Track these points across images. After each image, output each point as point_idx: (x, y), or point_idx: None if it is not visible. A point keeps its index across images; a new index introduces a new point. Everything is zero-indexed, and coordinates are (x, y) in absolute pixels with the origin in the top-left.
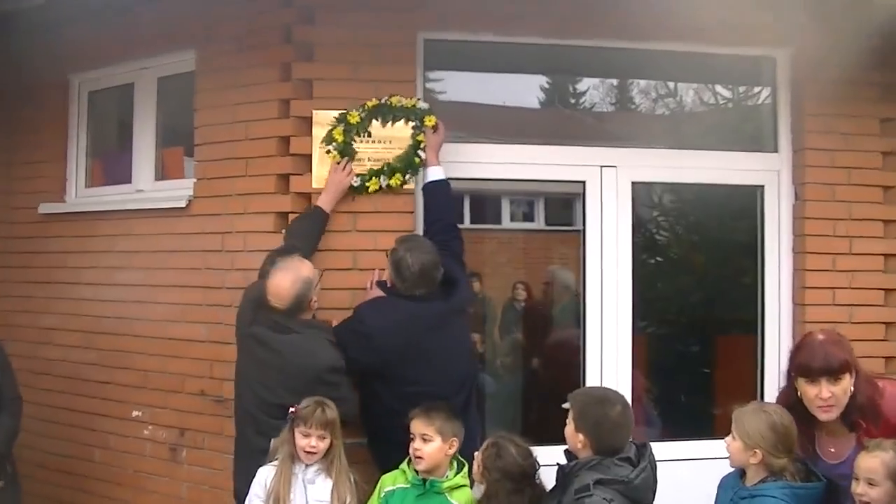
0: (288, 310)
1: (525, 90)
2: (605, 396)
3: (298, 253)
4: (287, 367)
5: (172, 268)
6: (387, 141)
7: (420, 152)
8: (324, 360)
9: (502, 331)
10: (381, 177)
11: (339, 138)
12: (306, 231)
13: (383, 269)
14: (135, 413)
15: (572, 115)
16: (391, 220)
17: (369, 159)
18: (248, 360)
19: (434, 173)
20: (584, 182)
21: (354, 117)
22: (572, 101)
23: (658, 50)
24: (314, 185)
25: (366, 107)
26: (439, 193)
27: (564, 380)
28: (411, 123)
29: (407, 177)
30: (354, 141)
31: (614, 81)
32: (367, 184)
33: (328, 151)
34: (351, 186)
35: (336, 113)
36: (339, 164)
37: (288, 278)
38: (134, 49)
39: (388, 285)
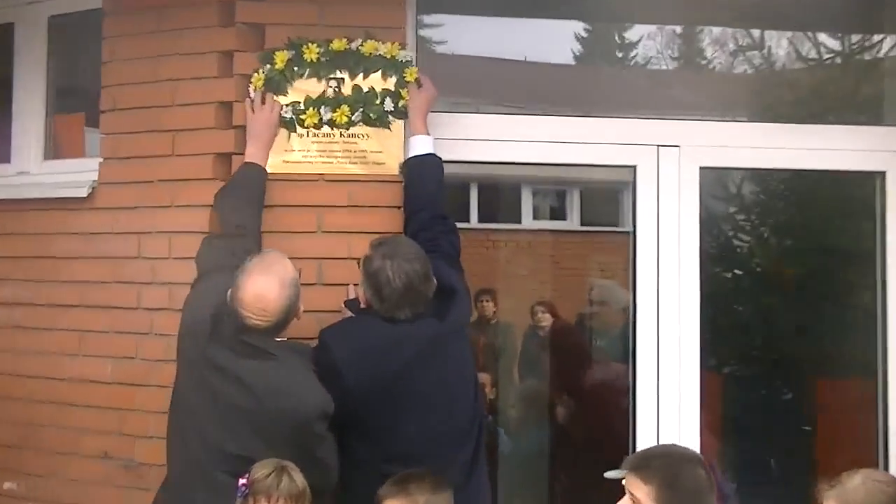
0: (273, 326)
1: (554, 40)
2: (688, 455)
3: (251, 239)
4: (261, 410)
5: (67, 281)
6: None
7: (390, 102)
8: (313, 403)
9: (522, 368)
10: (322, 108)
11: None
12: (244, 201)
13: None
14: (7, 485)
15: (619, 75)
16: (371, 216)
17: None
18: (199, 393)
19: (419, 145)
20: (634, 167)
21: (311, 52)
22: (619, 55)
23: None
24: (268, 169)
25: (329, 48)
26: (426, 173)
27: (606, 436)
28: (390, 79)
29: (357, 116)
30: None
31: (677, 28)
32: (303, 117)
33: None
34: (282, 122)
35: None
36: (255, 99)
37: (273, 284)
38: None
39: (362, 305)
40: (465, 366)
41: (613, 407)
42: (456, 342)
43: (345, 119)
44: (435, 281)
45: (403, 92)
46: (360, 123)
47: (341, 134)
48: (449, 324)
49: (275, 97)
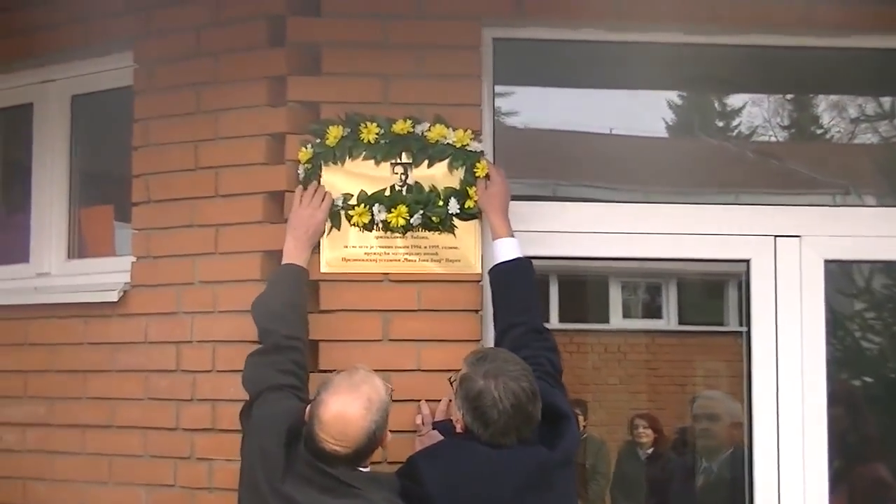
0: (354, 454)
1: (644, 109)
2: None
3: (298, 351)
4: None
5: (94, 397)
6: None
7: (455, 203)
8: None
9: (617, 493)
10: (376, 206)
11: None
12: (287, 307)
13: (435, 401)
14: None
15: (723, 149)
16: (445, 322)
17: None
18: None
19: (504, 250)
20: (748, 261)
21: (370, 132)
22: (720, 124)
23: (862, 48)
24: (322, 270)
25: (390, 129)
26: (516, 281)
27: None
28: (457, 171)
29: (417, 219)
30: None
31: (789, 94)
32: (351, 213)
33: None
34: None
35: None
36: (305, 190)
37: (359, 405)
38: (33, 48)
39: (458, 429)
40: (570, 502)
41: None
42: (563, 474)
43: (402, 222)
44: (540, 401)
45: (471, 191)
46: (420, 228)
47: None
48: (559, 452)
49: (325, 189)
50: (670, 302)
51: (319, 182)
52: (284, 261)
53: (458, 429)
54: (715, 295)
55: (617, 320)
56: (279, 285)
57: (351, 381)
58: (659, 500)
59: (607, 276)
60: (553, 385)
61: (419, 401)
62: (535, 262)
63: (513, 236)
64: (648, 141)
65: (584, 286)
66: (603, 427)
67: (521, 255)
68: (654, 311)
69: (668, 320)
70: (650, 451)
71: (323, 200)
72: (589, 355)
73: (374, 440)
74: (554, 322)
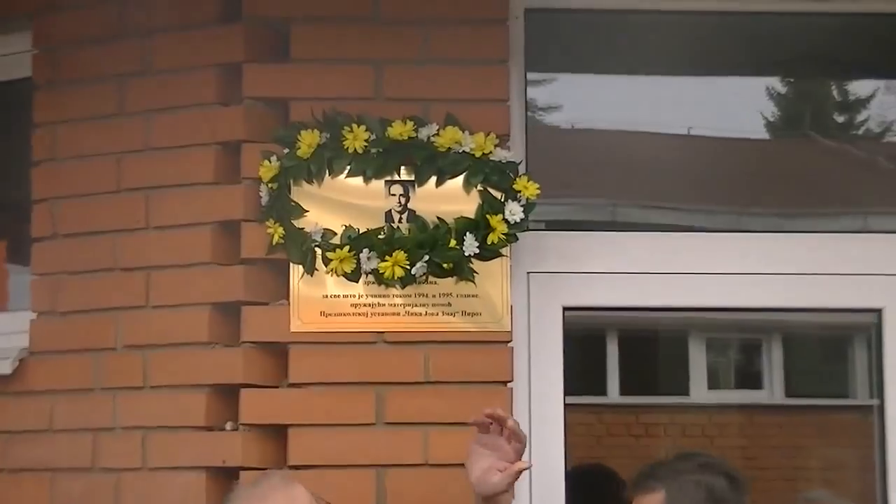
0: None
1: (733, 100)
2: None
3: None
4: None
5: None
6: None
7: (473, 240)
8: None
9: None
10: (364, 253)
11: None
12: None
13: None
14: None
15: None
16: (462, 399)
17: None
18: None
19: None
20: (879, 311)
21: (357, 138)
22: (840, 119)
23: None
24: (293, 329)
25: (385, 134)
26: None
27: None
28: (477, 188)
29: (420, 268)
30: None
31: None
32: (330, 256)
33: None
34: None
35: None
36: None
37: None
38: None
39: None
40: None
41: None
42: None
43: (399, 273)
44: None
45: (496, 219)
46: (426, 277)
47: None
48: None
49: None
50: (773, 367)
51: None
52: None
53: None
54: (835, 357)
55: (700, 392)
56: None
57: (253, 493)
58: None
59: (686, 332)
60: None
61: None
62: (587, 314)
63: None
64: (741, 144)
65: (654, 345)
66: None
67: None
68: (751, 380)
69: (772, 392)
70: None
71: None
72: (661, 440)
73: None
74: (613, 395)
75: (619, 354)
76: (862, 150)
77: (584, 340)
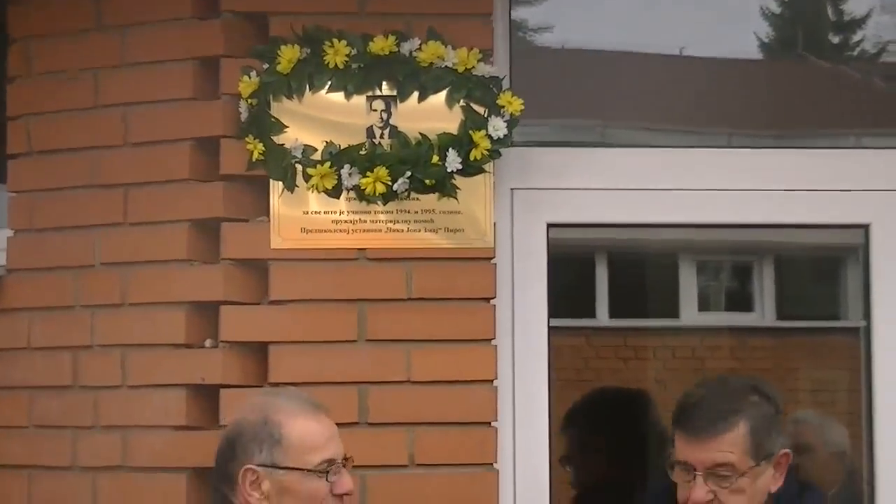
0: None
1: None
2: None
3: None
4: None
5: None
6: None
7: (455, 156)
8: None
9: None
10: (345, 169)
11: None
12: None
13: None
14: None
15: (838, 74)
16: (444, 316)
17: None
18: None
19: None
20: (866, 227)
21: (338, 52)
22: (834, 40)
23: None
24: (274, 246)
25: (367, 49)
26: None
27: None
28: (460, 103)
29: (402, 184)
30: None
31: None
32: (310, 171)
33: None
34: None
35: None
36: None
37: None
38: None
39: None
40: None
41: None
42: None
43: (381, 189)
44: None
45: (479, 135)
46: (408, 194)
47: None
48: None
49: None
50: (765, 289)
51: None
52: None
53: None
54: (827, 279)
55: (691, 314)
56: None
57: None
58: None
59: (677, 254)
60: None
61: (408, 424)
62: (575, 232)
63: None
64: (734, 64)
65: (644, 268)
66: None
67: None
68: (742, 302)
69: (763, 314)
70: None
71: None
72: (651, 363)
73: None
74: (602, 318)
75: (608, 277)
76: (857, 71)
77: (573, 263)
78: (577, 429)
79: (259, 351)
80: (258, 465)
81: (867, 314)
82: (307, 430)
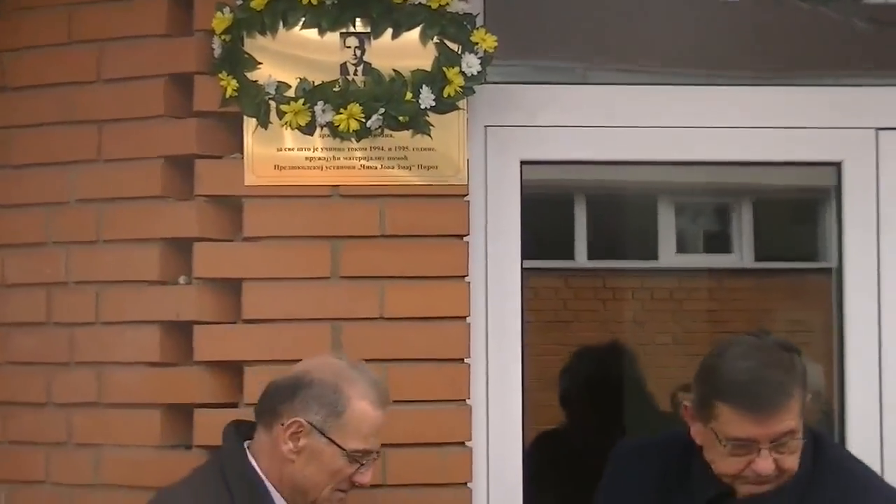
0: None
1: None
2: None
3: None
4: None
5: None
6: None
7: (429, 93)
8: None
9: None
10: (319, 105)
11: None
12: None
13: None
14: None
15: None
16: (418, 253)
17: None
18: None
19: None
20: (838, 164)
21: None
22: None
23: None
24: (248, 182)
25: None
26: None
27: None
28: (433, 40)
29: (375, 120)
30: None
31: None
32: (283, 108)
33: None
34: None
35: None
36: None
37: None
38: None
39: None
40: None
41: None
42: None
43: (354, 126)
44: None
45: (452, 72)
46: (381, 131)
47: None
48: None
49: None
50: (744, 230)
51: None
52: None
53: None
54: (805, 221)
55: (669, 256)
56: None
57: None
58: None
59: (655, 196)
60: None
61: (381, 360)
62: (554, 173)
63: None
64: (713, 3)
65: (622, 209)
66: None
67: None
68: (720, 244)
69: (741, 255)
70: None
71: None
72: (629, 304)
73: None
74: (581, 259)
75: (587, 218)
76: (836, 12)
77: (552, 204)
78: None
79: (233, 287)
80: (308, 423)
81: (839, 254)
82: (366, 418)
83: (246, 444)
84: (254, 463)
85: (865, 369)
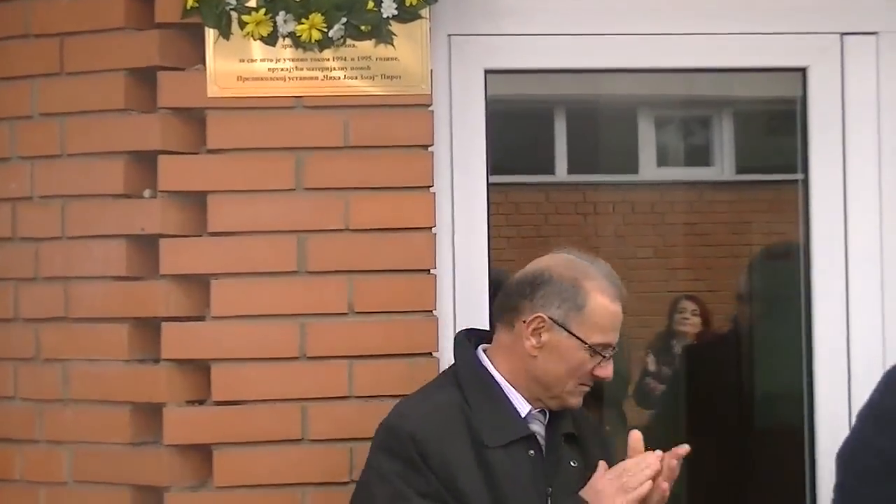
0: None
1: None
2: None
3: None
4: None
5: None
6: None
7: (391, 2)
8: None
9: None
10: (281, 15)
11: None
12: None
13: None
14: None
15: None
16: (382, 163)
17: None
18: None
19: None
20: (803, 70)
21: None
22: None
23: None
24: (210, 94)
25: None
26: None
27: None
28: None
29: (338, 30)
30: None
31: None
32: (246, 19)
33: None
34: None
35: None
36: None
37: None
38: None
39: None
40: None
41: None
42: None
43: (317, 36)
44: None
45: None
46: (344, 40)
47: None
48: None
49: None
50: (724, 143)
51: None
52: None
53: None
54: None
55: (650, 169)
56: None
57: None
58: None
59: (635, 109)
60: None
61: (347, 272)
62: (528, 79)
63: None
64: None
65: (602, 123)
66: (631, 317)
67: None
68: (701, 157)
69: (722, 168)
70: (695, 337)
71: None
72: (610, 218)
73: None
74: (561, 173)
75: (566, 132)
76: None
77: (531, 118)
78: None
79: (198, 200)
80: (549, 318)
81: (805, 163)
82: (606, 311)
83: (482, 347)
84: (487, 363)
85: (830, 280)
